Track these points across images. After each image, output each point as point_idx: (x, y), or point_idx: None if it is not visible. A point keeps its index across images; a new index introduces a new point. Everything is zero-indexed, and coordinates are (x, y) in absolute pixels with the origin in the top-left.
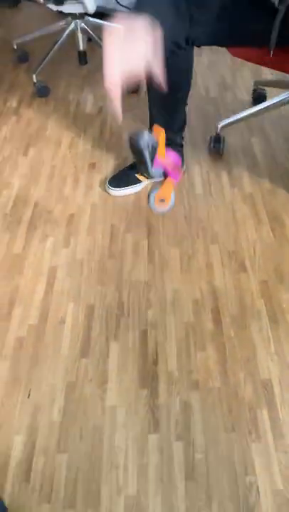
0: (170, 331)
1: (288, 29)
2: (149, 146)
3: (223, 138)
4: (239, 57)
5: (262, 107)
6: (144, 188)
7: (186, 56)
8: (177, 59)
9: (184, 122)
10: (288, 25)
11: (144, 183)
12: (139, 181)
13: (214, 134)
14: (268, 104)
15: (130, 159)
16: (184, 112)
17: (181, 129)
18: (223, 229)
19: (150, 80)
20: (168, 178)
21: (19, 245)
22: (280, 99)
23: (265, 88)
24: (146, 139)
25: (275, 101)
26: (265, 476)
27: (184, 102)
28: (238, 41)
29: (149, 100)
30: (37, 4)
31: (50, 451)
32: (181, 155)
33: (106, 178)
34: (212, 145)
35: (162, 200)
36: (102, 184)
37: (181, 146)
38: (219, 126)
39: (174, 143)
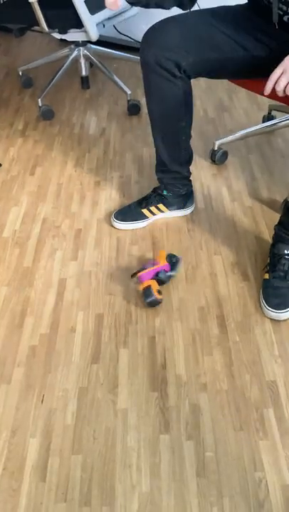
0: (177, 337)
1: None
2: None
3: (225, 152)
4: (238, 84)
5: (258, 127)
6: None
7: (182, 86)
8: (174, 87)
9: (190, 156)
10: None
11: (150, 219)
12: (145, 217)
13: (213, 149)
14: (263, 125)
15: (138, 187)
16: (189, 146)
17: (188, 162)
18: (225, 241)
19: (152, 112)
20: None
21: (29, 259)
22: (276, 121)
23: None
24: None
25: (270, 123)
26: (274, 472)
27: (186, 134)
28: (230, 75)
29: (153, 133)
30: (41, 34)
31: (65, 453)
32: (190, 187)
33: (111, 195)
34: (212, 157)
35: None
36: (107, 201)
37: (189, 180)
38: (217, 143)
39: (181, 175)
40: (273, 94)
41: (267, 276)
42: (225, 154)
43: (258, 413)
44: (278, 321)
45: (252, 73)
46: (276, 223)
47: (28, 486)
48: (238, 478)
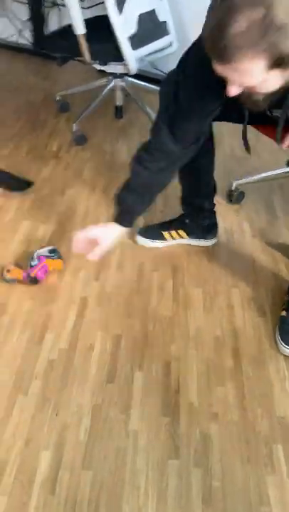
0: (192, 364)
1: None
2: None
3: (242, 193)
4: (261, 132)
5: (276, 173)
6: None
7: None
8: None
9: (213, 189)
10: None
11: (169, 242)
12: (164, 238)
13: (230, 189)
14: (283, 170)
15: (161, 216)
16: (211, 179)
17: (209, 195)
18: (243, 275)
19: None
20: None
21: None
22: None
23: None
24: None
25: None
26: (279, 508)
27: (207, 170)
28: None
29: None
30: (80, 63)
31: (76, 468)
32: (213, 220)
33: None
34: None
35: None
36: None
37: (212, 211)
38: (234, 183)
39: (203, 208)
40: None
41: (284, 313)
42: (242, 195)
43: (267, 448)
44: None
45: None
46: None
47: (37, 499)
48: (244, 510)
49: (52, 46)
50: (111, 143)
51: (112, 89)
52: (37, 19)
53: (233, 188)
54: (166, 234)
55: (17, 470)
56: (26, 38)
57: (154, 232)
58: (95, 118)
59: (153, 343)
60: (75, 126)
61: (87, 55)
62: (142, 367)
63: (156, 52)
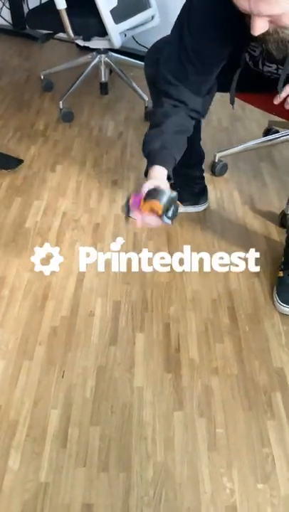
0: (191, 325)
1: None
2: None
3: (225, 165)
4: (246, 101)
5: (259, 141)
6: None
7: None
8: None
9: (201, 157)
10: None
11: None
12: None
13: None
14: (265, 139)
15: None
16: (198, 148)
17: (198, 163)
18: (236, 239)
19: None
20: None
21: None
22: (274, 137)
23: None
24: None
25: (270, 138)
26: (280, 449)
27: (193, 141)
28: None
29: None
30: (60, 41)
31: (84, 424)
32: (203, 185)
33: (128, 193)
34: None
35: None
36: (124, 198)
37: (201, 177)
38: (217, 155)
39: (193, 176)
40: (278, 108)
41: (281, 274)
42: (225, 166)
43: (266, 396)
44: (287, 314)
45: (258, 87)
46: None
47: (50, 452)
48: (247, 452)
49: (34, 23)
50: (98, 119)
51: (97, 66)
52: None
53: (216, 160)
54: None
55: (28, 427)
56: (5, 19)
57: None
58: (80, 95)
59: (152, 307)
60: (62, 104)
61: (69, 30)
62: (142, 329)
63: (138, 26)
